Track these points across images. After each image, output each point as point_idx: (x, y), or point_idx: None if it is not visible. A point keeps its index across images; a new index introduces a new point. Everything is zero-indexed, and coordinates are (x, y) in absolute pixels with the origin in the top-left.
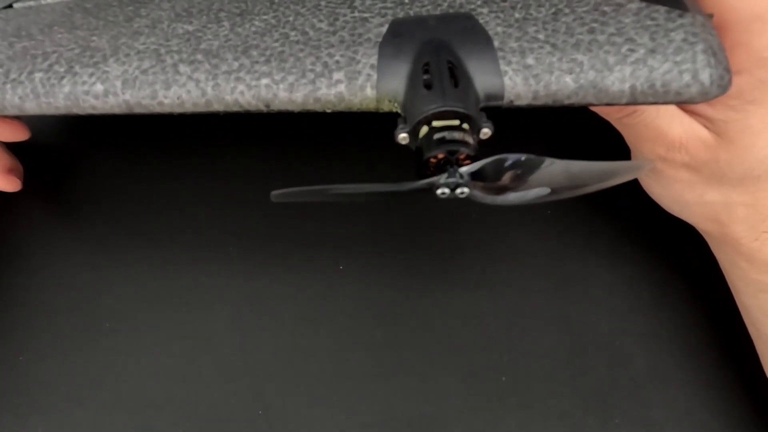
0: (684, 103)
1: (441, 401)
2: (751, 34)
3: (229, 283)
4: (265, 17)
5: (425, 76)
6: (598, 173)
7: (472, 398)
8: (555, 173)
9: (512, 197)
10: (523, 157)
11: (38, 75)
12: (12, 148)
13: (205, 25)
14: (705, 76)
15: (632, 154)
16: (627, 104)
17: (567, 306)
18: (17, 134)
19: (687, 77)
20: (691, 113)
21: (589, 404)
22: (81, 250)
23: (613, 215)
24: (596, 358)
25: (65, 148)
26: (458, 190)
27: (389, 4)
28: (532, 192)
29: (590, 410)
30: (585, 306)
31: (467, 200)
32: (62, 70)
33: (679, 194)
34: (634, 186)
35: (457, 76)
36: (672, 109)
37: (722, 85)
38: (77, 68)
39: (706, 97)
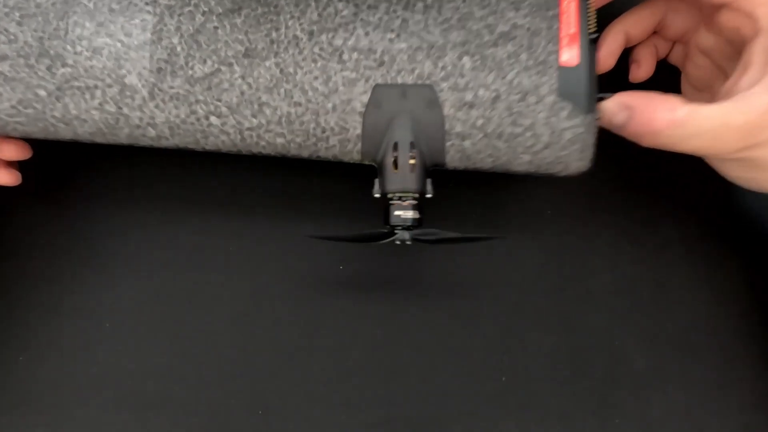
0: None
1: (441, 401)
2: None
3: (229, 283)
4: (268, 64)
5: (394, 154)
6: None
7: (472, 398)
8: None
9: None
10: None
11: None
12: None
13: (218, 68)
14: (573, 168)
15: (717, 169)
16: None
17: (567, 306)
18: (21, 153)
19: (560, 167)
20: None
21: (589, 404)
22: (81, 250)
23: (613, 215)
24: (596, 358)
25: (65, 148)
26: (405, 242)
27: (371, 63)
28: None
29: (590, 410)
30: (585, 306)
31: (467, 200)
32: (113, 110)
33: None
34: (635, 186)
35: (414, 161)
36: (720, 112)
37: (582, 170)
38: (125, 111)
39: (567, 174)
